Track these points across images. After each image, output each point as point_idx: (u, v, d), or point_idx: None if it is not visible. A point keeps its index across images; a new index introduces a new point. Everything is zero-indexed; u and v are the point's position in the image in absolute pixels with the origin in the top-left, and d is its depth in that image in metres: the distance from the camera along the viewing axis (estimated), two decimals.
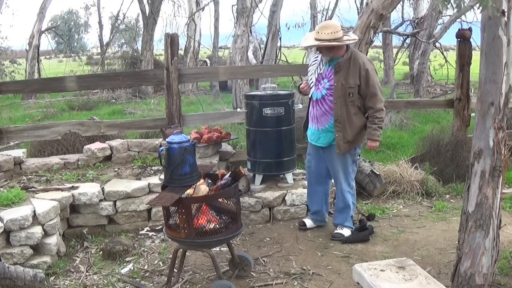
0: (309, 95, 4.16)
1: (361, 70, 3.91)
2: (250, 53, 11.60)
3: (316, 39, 3.88)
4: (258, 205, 4.60)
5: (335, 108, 3.95)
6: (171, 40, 5.43)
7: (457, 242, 3.02)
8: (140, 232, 4.39)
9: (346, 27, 10.85)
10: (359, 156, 4.29)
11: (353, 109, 3.94)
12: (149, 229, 4.44)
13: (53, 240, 3.78)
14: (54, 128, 5.38)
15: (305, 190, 4.72)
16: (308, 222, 4.42)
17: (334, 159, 4.12)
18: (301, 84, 4.36)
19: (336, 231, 4.21)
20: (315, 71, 4.10)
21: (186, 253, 3.45)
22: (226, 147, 5.39)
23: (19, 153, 4.92)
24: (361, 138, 4.05)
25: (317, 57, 4.13)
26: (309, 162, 4.34)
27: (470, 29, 5.96)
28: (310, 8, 15.13)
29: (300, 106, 5.31)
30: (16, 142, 6.36)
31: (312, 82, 4.11)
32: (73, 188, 4.31)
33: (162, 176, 3.37)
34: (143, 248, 4.08)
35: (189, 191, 3.26)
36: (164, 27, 19.23)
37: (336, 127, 3.97)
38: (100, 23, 21.65)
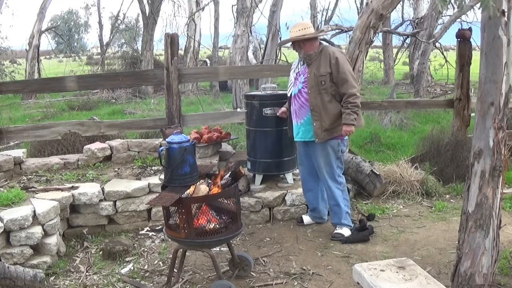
0: (288, 94, 4.31)
1: (331, 58, 4.04)
2: (250, 53, 11.62)
3: (289, 38, 4.19)
4: (258, 205, 4.60)
5: (310, 98, 4.08)
6: (171, 40, 5.44)
7: (457, 242, 3.02)
8: (140, 232, 4.39)
9: (346, 27, 10.83)
10: (343, 152, 4.27)
11: (327, 96, 4.05)
12: (149, 229, 4.45)
13: (53, 240, 3.78)
14: (54, 128, 5.38)
15: None
16: (306, 219, 4.50)
17: (317, 154, 4.19)
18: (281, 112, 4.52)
19: (335, 231, 4.21)
20: (293, 71, 4.30)
21: (186, 253, 3.45)
22: (226, 147, 5.38)
23: (19, 153, 4.92)
24: (339, 128, 4.07)
25: (297, 59, 4.33)
26: (300, 159, 4.46)
27: (470, 29, 5.96)
28: (310, 8, 15.13)
29: None
30: (16, 142, 6.36)
31: (291, 82, 4.27)
32: (73, 188, 4.31)
33: (162, 176, 3.37)
34: (143, 248, 4.08)
35: (189, 190, 3.26)
36: (164, 27, 19.26)
37: (313, 117, 4.07)
38: (100, 23, 21.67)
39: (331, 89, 4.03)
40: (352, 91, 4.00)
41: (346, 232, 4.18)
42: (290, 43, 4.22)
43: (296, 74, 4.25)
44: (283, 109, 4.48)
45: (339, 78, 4.00)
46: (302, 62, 4.24)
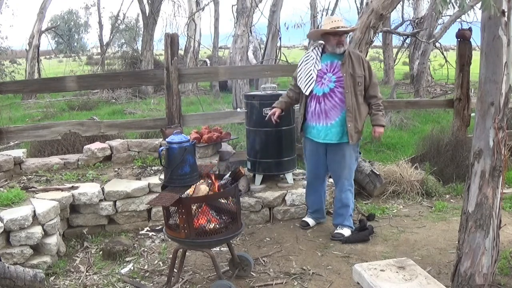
0: (307, 93, 4.10)
1: (363, 61, 4.11)
2: (250, 53, 11.61)
3: (336, 27, 4.01)
4: (258, 205, 4.60)
5: (346, 98, 4.01)
6: (171, 40, 5.44)
7: (457, 242, 3.02)
8: (140, 232, 4.39)
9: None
10: (360, 154, 4.33)
11: (361, 98, 4.07)
12: (149, 229, 4.44)
13: (53, 240, 3.78)
14: (54, 128, 5.38)
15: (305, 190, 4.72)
16: (311, 221, 4.46)
17: (341, 157, 4.14)
18: (272, 110, 4.30)
19: (336, 231, 4.21)
20: (313, 69, 4.09)
21: (186, 253, 3.45)
22: (226, 147, 5.38)
23: (19, 153, 4.92)
24: (362, 130, 4.18)
25: (308, 55, 4.18)
26: (312, 162, 4.30)
27: (470, 29, 5.96)
28: (310, 8, 15.13)
29: None
30: (16, 142, 6.36)
31: (312, 79, 4.07)
32: (73, 188, 4.31)
33: (162, 176, 3.37)
34: (143, 248, 4.07)
35: (189, 190, 3.26)
36: (164, 27, 19.26)
37: (348, 118, 4.01)
38: (100, 23, 21.66)
39: (363, 91, 4.08)
40: (381, 95, 4.20)
41: (346, 232, 4.19)
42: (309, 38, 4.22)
43: (318, 71, 4.08)
44: (278, 110, 4.26)
45: (372, 81, 4.10)
46: (326, 59, 4.08)
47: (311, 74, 4.08)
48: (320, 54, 4.12)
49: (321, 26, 4.26)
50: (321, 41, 4.15)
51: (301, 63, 4.20)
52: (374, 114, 4.13)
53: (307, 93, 4.10)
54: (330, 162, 4.21)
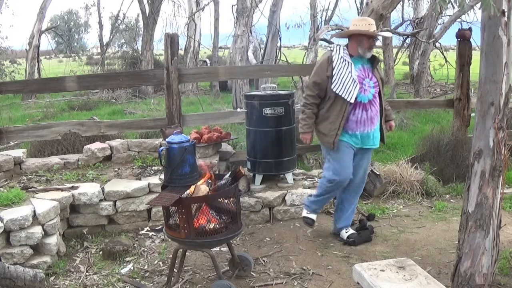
0: (350, 100, 3.75)
1: (379, 63, 4.11)
2: (250, 53, 11.61)
3: (373, 31, 3.84)
4: (258, 205, 4.60)
5: (381, 103, 3.98)
6: (171, 40, 5.43)
7: (457, 242, 3.02)
8: (140, 232, 4.39)
9: (346, 27, 10.84)
10: None
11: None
12: (149, 229, 4.45)
13: (53, 240, 3.78)
14: (54, 128, 5.38)
15: (305, 190, 4.73)
16: (314, 216, 4.24)
17: (368, 160, 4.16)
18: (304, 137, 4.00)
19: (349, 233, 4.14)
20: (353, 75, 3.77)
21: (186, 253, 3.45)
22: (226, 147, 5.39)
23: (19, 153, 4.92)
24: None
25: (341, 59, 3.80)
26: (346, 163, 3.94)
27: (470, 29, 5.96)
28: (310, 8, 15.13)
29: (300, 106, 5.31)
30: (16, 142, 6.36)
31: (356, 85, 3.75)
32: (73, 188, 4.31)
33: (162, 176, 3.37)
34: (143, 248, 4.07)
35: (189, 190, 3.26)
36: (164, 27, 19.27)
37: (381, 121, 4.01)
38: (100, 23, 21.67)
39: None
40: None
41: (350, 230, 4.19)
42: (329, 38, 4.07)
43: (357, 77, 3.80)
44: (310, 135, 3.98)
45: (383, 84, 4.07)
46: (357, 63, 3.86)
47: (354, 80, 3.76)
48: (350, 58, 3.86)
49: (341, 26, 4.17)
50: (340, 44, 3.95)
51: (337, 69, 3.77)
52: (387, 110, 4.15)
53: (352, 101, 3.76)
54: (358, 167, 4.05)
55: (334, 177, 3.94)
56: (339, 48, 3.87)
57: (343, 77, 3.75)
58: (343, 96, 3.75)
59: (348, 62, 3.80)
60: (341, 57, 3.81)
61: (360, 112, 3.84)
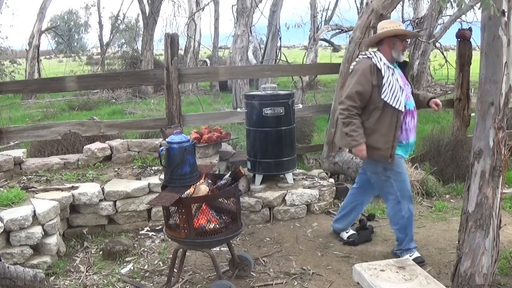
0: (400, 108, 3.53)
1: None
2: (250, 53, 11.61)
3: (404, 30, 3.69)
4: (258, 205, 4.60)
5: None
6: (171, 40, 5.44)
7: (457, 242, 3.02)
8: (140, 232, 4.39)
9: (346, 27, 10.80)
10: None
11: None
12: (149, 229, 4.45)
13: (53, 240, 3.78)
14: (54, 128, 5.38)
15: (305, 190, 4.73)
16: (417, 252, 3.78)
17: None
18: (359, 148, 3.59)
19: (350, 233, 4.14)
20: (398, 82, 3.57)
21: (186, 253, 3.45)
22: (226, 147, 5.39)
23: (19, 153, 4.92)
24: None
25: (384, 65, 3.58)
26: (406, 177, 3.74)
27: (470, 29, 5.96)
28: (310, 8, 15.13)
29: (300, 106, 5.32)
30: (16, 142, 6.36)
31: (402, 92, 3.55)
32: (73, 188, 4.31)
33: (162, 176, 3.37)
34: (143, 248, 4.07)
35: (189, 190, 3.26)
36: (164, 27, 19.27)
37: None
38: (100, 23, 21.68)
39: None
40: None
41: (350, 231, 4.19)
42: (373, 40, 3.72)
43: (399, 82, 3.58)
44: (363, 147, 3.56)
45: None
46: (395, 67, 3.65)
47: (400, 87, 3.56)
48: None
49: (369, 30, 3.85)
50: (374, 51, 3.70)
51: (386, 77, 3.53)
52: (419, 93, 3.93)
53: (402, 109, 3.54)
54: None
55: (411, 201, 3.70)
56: (377, 54, 3.61)
57: (392, 85, 3.52)
58: (393, 105, 3.50)
59: (392, 68, 3.58)
60: (384, 63, 3.56)
61: (410, 120, 3.64)
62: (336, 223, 4.23)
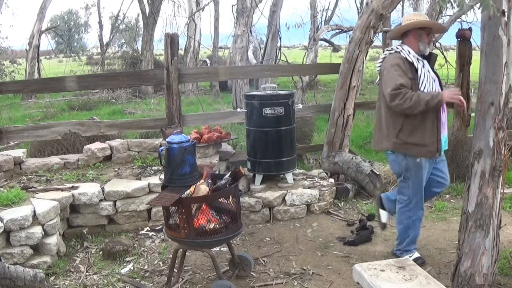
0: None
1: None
2: (250, 53, 11.62)
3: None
4: (258, 205, 4.60)
5: None
6: (171, 40, 5.44)
7: (457, 242, 3.02)
8: (140, 232, 4.39)
9: (346, 27, 10.80)
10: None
11: None
12: (149, 229, 4.45)
13: (53, 240, 3.78)
14: (54, 128, 5.38)
15: (305, 190, 4.72)
16: (416, 252, 3.76)
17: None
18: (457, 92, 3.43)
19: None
20: (429, 73, 3.48)
21: (186, 253, 3.45)
22: (226, 147, 5.39)
23: (19, 153, 4.92)
24: None
25: (417, 58, 3.48)
26: (423, 181, 3.63)
27: (470, 29, 5.96)
28: (310, 8, 15.13)
29: (300, 106, 5.32)
30: (16, 142, 6.36)
31: (436, 84, 3.49)
32: (73, 188, 4.31)
33: (162, 176, 3.37)
34: (143, 248, 4.07)
35: (189, 190, 3.26)
36: (164, 27, 19.27)
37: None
38: (100, 23, 21.66)
39: None
40: None
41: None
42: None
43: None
44: (446, 92, 3.37)
45: None
46: (422, 60, 3.51)
47: (433, 79, 3.49)
48: None
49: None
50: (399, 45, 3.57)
51: (420, 69, 3.43)
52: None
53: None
54: (439, 170, 3.70)
55: (419, 199, 3.65)
56: (404, 48, 3.49)
57: (427, 77, 3.41)
58: None
59: (422, 60, 3.47)
60: (413, 55, 3.44)
61: (443, 113, 3.53)
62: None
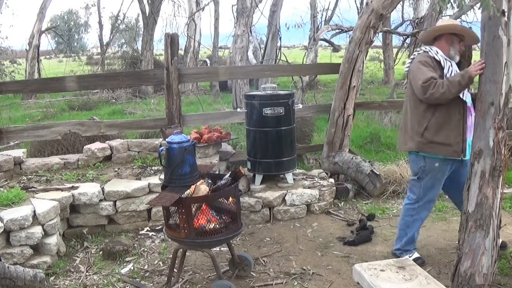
0: (465, 98, 3.42)
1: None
2: (250, 53, 11.61)
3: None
4: (258, 205, 4.60)
5: None
6: (171, 40, 5.44)
7: (457, 242, 3.02)
8: (140, 232, 4.39)
9: (346, 27, 10.80)
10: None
11: None
12: (149, 229, 4.44)
13: (53, 240, 3.78)
14: (54, 128, 5.38)
15: (305, 190, 4.72)
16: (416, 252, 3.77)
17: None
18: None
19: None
20: (456, 72, 3.47)
21: (186, 253, 3.45)
22: (226, 147, 5.39)
23: (19, 153, 4.92)
24: None
25: (444, 58, 3.48)
26: (441, 183, 3.63)
27: (470, 29, 5.95)
28: (310, 8, 15.14)
29: (300, 106, 5.32)
30: (16, 142, 6.36)
31: None
32: (73, 188, 4.31)
33: (162, 176, 3.37)
34: (143, 248, 4.08)
35: (189, 190, 3.26)
36: (164, 27, 19.27)
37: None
38: (100, 23, 21.66)
39: None
40: None
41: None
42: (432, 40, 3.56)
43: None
44: (471, 67, 3.25)
45: None
46: (449, 60, 3.50)
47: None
48: None
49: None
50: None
51: (447, 68, 3.45)
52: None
53: (468, 101, 3.46)
54: (458, 178, 3.62)
55: (429, 210, 3.70)
56: (432, 48, 3.52)
57: (454, 75, 3.40)
58: (460, 95, 3.37)
59: (450, 61, 3.48)
60: (441, 55, 3.47)
61: (470, 116, 3.44)
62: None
